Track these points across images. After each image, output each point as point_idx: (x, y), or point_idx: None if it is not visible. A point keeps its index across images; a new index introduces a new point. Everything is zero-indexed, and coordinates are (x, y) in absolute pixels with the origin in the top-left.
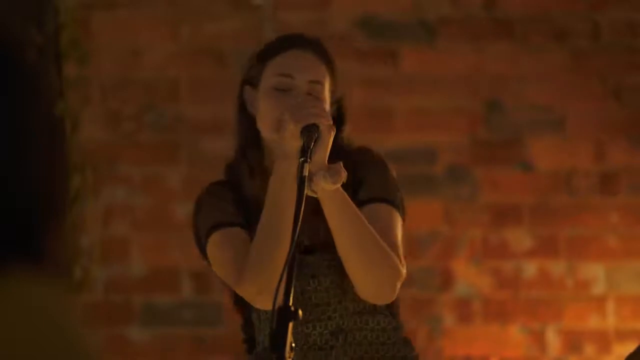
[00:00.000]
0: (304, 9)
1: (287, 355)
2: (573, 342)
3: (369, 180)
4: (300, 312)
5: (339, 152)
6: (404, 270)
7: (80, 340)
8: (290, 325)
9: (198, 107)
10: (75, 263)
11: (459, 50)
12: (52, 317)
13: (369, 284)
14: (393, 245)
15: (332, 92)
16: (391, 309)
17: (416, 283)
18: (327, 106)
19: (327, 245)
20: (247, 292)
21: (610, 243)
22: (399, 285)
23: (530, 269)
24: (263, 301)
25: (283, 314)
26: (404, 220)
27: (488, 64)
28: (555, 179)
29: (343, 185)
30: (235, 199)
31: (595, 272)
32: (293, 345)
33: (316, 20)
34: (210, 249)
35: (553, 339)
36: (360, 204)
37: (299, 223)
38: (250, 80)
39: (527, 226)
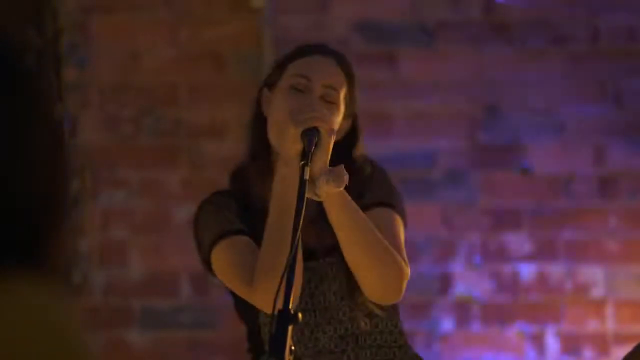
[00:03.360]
0: (303, 13)
1: (286, 358)
2: (572, 345)
3: (371, 188)
4: (300, 315)
5: (347, 164)
6: (408, 270)
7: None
8: (290, 328)
9: (197, 111)
10: (74, 266)
11: (457, 55)
12: (52, 320)
13: (376, 283)
14: (397, 247)
15: (348, 104)
16: (397, 311)
17: (414, 287)
18: (340, 114)
19: (334, 249)
20: (258, 299)
21: (609, 247)
22: (404, 284)
23: (529, 272)
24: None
25: (282, 318)
26: (405, 226)
27: (487, 68)
28: (554, 183)
29: (349, 192)
30: (239, 208)
31: (594, 275)
32: (293, 348)
33: (315, 23)
34: (215, 258)
35: (552, 343)
36: (363, 208)
37: (300, 226)
38: (269, 83)
39: (526, 230)
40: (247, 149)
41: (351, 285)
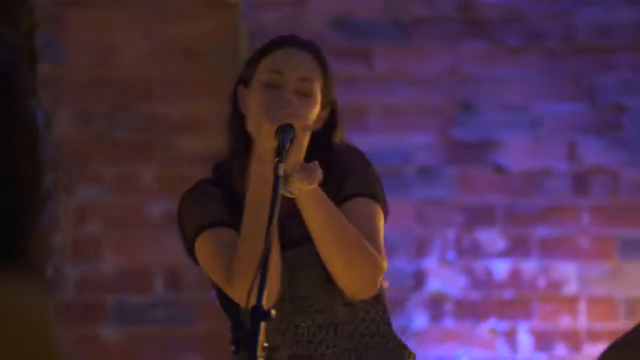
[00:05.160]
0: (279, 8)
1: (258, 355)
2: (544, 342)
3: (351, 176)
4: (273, 311)
5: (327, 152)
6: (384, 263)
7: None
8: (263, 325)
9: (172, 106)
10: (47, 262)
11: (432, 51)
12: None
13: (349, 279)
14: (373, 239)
15: (325, 92)
16: (380, 300)
17: (388, 283)
18: (316, 105)
19: (311, 239)
20: (236, 294)
21: (582, 243)
22: (379, 279)
23: (503, 269)
24: (249, 302)
25: (255, 314)
26: (386, 214)
27: (462, 64)
28: (528, 180)
29: (327, 183)
30: (224, 195)
31: (567, 272)
32: (265, 345)
33: (291, 19)
34: (198, 250)
35: (524, 339)
36: (343, 199)
37: (273, 223)
38: (244, 80)
39: (499, 226)
40: (227, 147)
41: (329, 274)
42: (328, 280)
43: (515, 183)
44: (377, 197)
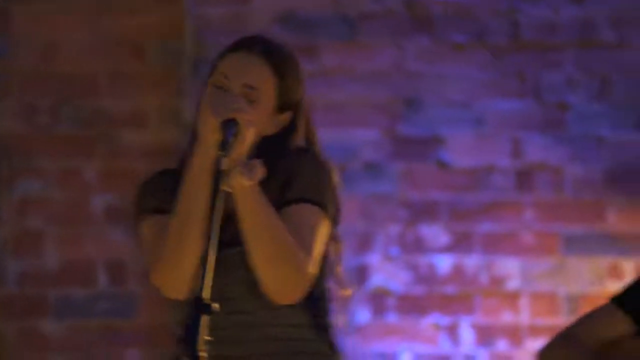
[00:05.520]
0: (225, 4)
1: (199, 349)
2: (486, 337)
3: (298, 181)
4: (216, 305)
5: (277, 155)
6: (312, 271)
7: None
8: (205, 319)
9: (116, 100)
10: None
11: (378, 47)
12: None
13: (273, 282)
14: (307, 246)
15: (281, 97)
16: (315, 306)
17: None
18: (261, 111)
19: (240, 239)
20: (157, 281)
21: (525, 239)
22: (304, 286)
23: (446, 264)
24: (168, 291)
25: (196, 308)
26: (336, 223)
27: (407, 60)
28: (472, 176)
29: (269, 184)
30: (177, 185)
31: (509, 268)
32: (208, 339)
33: (237, 14)
34: (140, 233)
35: (466, 334)
36: (286, 202)
37: (219, 217)
38: (204, 80)
39: (443, 222)
40: (190, 136)
41: (254, 277)
42: (256, 282)
43: (460, 179)
44: (322, 204)
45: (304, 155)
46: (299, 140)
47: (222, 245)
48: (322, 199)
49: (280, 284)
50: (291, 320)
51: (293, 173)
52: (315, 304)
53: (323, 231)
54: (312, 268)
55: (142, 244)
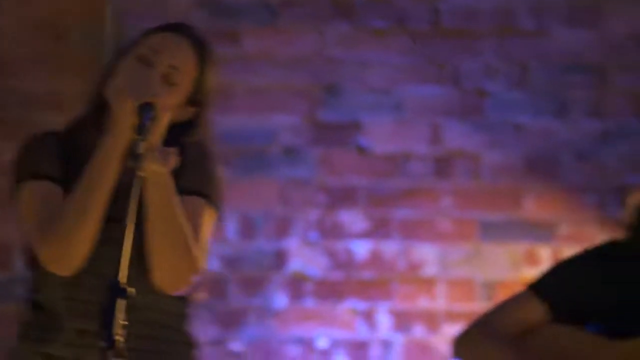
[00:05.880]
0: None
1: (115, 333)
2: (403, 322)
3: (189, 173)
4: (132, 290)
5: (173, 145)
6: (202, 265)
7: None
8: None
9: (35, 83)
10: None
11: (299, 32)
12: None
13: (164, 271)
14: (200, 240)
15: (196, 89)
16: (188, 298)
17: (248, 262)
18: (179, 96)
19: (131, 218)
20: (46, 254)
21: (442, 226)
22: (193, 280)
23: (364, 250)
24: (59, 267)
25: (112, 291)
26: (220, 216)
27: (328, 46)
28: (390, 162)
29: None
30: (65, 149)
31: (426, 254)
32: (125, 323)
33: None
34: (20, 197)
35: (383, 319)
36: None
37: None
38: (122, 50)
39: (361, 208)
40: (90, 100)
41: (140, 258)
42: (138, 263)
43: (378, 165)
44: (210, 199)
45: (198, 151)
46: (199, 135)
47: (109, 219)
48: (211, 195)
49: (173, 276)
50: (169, 306)
51: (184, 166)
52: (189, 296)
53: (209, 226)
54: (203, 262)
55: (21, 209)
